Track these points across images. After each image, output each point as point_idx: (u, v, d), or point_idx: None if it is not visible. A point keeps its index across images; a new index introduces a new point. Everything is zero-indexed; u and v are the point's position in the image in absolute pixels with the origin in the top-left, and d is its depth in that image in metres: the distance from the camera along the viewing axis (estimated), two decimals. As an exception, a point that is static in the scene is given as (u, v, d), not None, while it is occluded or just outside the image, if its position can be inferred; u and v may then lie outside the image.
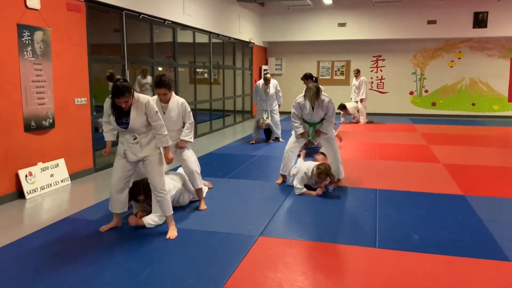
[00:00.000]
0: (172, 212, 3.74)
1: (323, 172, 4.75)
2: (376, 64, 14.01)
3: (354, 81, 12.09)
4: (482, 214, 4.15)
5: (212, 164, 6.56)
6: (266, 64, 14.53)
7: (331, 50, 14.09)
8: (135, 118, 3.48)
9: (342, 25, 13.28)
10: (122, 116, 3.50)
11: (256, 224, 3.90)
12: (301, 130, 5.12)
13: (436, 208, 4.39)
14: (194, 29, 9.21)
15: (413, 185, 5.24)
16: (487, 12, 12.22)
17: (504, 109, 13.17)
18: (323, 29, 13.41)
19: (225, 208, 4.41)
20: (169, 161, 3.72)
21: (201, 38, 9.73)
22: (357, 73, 11.93)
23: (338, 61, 14.23)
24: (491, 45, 12.96)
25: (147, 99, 3.55)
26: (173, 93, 4.23)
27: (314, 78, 7.24)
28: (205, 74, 10.51)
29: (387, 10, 12.85)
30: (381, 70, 14.00)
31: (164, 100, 4.11)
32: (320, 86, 5.05)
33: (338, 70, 14.27)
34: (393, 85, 13.91)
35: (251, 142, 8.55)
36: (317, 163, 5.06)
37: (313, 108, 5.00)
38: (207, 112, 10.38)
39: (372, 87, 13.98)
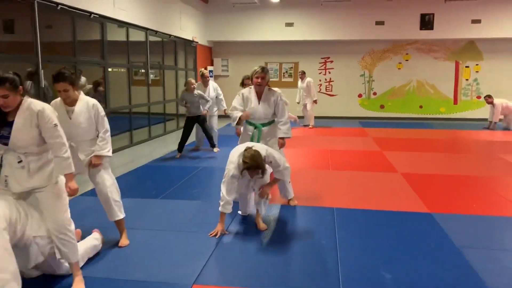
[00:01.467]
0: (79, 258, 2.85)
1: (250, 165, 3.44)
2: (324, 66, 13.61)
3: (300, 84, 11.50)
4: (456, 238, 3.59)
5: (145, 180, 5.65)
6: (212, 64, 13.69)
7: (279, 51, 13.50)
8: (20, 130, 2.57)
9: (289, 25, 12.74)
10: (3, 126, 2.58)
11: (189, 266, 3.07)
12: (238, 114, 4.24)
13: (404, 232, 3.78)
14: (128, 25, 8.21)
15: (374, 202, 4.64)
16: (433, 14, 12.16)
17: (450, 111, 13.20)
18: (270, 29, 12.81)
19: (152, 242, 3.54)
20: (72, 193, 2.78)
21: (137, 36, 8.74)
22: (303, 74, 11.30)
23: (286, 62, 13.68)
24: (437, 48, 12.94)
25: (42, 106, 2.63)
26: (82, 93, 3.31)
27: None
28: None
29: (335, 10, 12.46)
30: (329, 72, 13.61)
31: (67, 100, 3.17)
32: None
33: (286, 72, 13.72)
34: (342, 88, 13.56)
35: (194, 148, 7.77)
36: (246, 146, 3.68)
37: (259, 100, 4.25)
38: (145, 116, 9.37)
39: (320, 89, 13.55)
